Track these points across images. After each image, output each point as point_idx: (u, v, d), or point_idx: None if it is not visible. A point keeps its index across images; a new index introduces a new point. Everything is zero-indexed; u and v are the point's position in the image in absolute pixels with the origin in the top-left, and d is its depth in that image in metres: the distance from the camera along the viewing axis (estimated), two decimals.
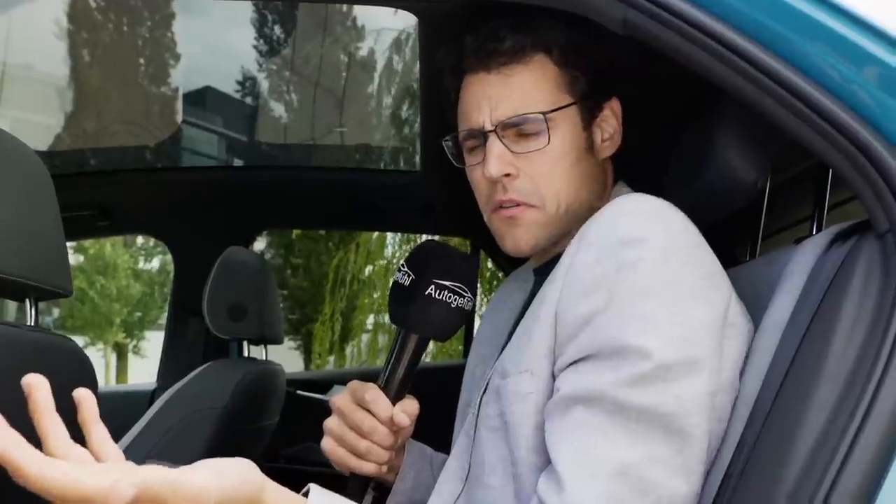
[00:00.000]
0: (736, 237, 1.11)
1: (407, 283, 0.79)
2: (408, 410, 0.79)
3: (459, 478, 0.79)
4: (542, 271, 0.85)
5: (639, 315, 0.64)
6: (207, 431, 1.44)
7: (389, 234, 6.26)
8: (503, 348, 0.81)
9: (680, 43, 0.62)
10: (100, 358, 11.18)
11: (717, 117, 0.81)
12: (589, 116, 0.82)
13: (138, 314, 11.87)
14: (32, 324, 0.95)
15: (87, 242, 10.94)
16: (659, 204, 0.71)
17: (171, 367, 2.06)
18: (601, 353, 0.65)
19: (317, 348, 6.98)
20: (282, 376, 1.78)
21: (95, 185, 2.01)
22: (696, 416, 0.63)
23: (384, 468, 0.81)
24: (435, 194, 1.84)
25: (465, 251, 0.89)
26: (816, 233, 0.74)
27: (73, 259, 11.35)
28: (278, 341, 1.78)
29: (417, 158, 2.28)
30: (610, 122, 0.85)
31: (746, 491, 0.60)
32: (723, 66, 0.61)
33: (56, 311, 11.76)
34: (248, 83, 3.96)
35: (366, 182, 2.08)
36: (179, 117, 3.33)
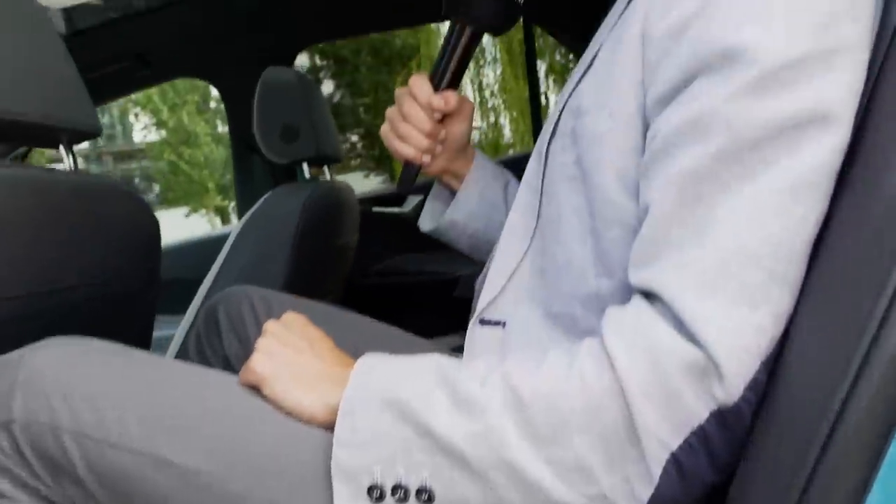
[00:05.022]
0: None
1: None
2: (447, 97, 0.83)
3: (525, 235, 0.71)
4: None
5: (748, 4, 0.49)
6: (286, 255, 1.46)
7: None
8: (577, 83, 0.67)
9: None
10: (206, 223, 11.82)
11: None
12: None
13: (228, 176, 12.34)
14: (71, 168, 0.93)
15: (164, 116, 11.18)
16: None
17: (246, 205, 2.10)
18: (705, 67, 0.50)
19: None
20: (351, 193, 1.77)
21: (128, 33, 1.94)
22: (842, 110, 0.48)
23: (426, 158, 0.87)
24: None
25: None
26: None
27: (156, 135, 11.73)
28: (339, 159, 1.75)
29: None
30: None
31: None
32: None
33: (156, 188, 12.40)
34: None
35: None
36: None
